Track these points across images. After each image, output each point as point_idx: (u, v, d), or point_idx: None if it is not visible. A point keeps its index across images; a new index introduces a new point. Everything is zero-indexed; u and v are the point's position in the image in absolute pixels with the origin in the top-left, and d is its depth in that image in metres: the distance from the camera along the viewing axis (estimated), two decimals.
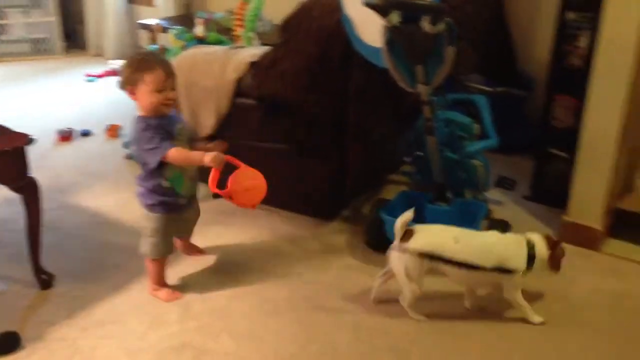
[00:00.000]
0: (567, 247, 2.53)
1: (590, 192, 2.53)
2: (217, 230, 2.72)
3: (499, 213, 2.79)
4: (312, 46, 2.38)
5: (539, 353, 1.99)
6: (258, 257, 2.53)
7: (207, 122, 2.73)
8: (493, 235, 2.14)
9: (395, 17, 1.88)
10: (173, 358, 1.96)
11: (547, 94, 2.78)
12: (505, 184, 2.89)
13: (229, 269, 2.45)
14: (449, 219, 2.39)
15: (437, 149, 2.28)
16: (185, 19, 4.28)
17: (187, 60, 2.83)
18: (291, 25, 2.49)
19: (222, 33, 3.62)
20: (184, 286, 2.32)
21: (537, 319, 2.09)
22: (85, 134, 3.77)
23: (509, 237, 2.15)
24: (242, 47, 2.94)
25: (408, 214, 2.07)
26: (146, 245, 2.20)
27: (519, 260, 2.05)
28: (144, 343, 2.02)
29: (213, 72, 2.70)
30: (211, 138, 2.51)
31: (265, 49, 2.66)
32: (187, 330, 2.09)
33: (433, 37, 1.87)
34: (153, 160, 2.03)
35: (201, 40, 3.48)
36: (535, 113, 2.98)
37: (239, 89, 2.66)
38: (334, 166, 2.56)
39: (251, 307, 2.21)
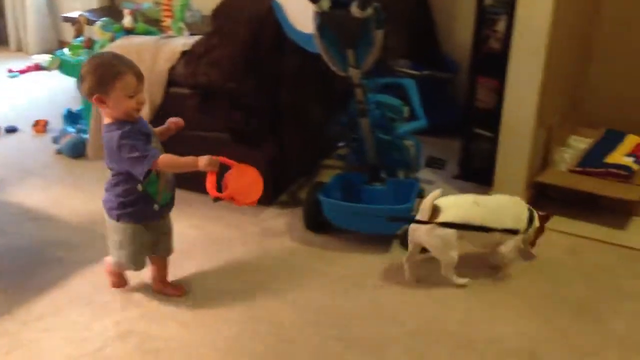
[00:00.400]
0: None
1: (512, 168, 2.69)
2: None
3: (430, 191, 2.92)
4: (245, 33, 2.42)
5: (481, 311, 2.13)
6: (199, 243, 2.56)
7: (141, 113, 2.71)
8: (503, 198, 2.33)
9: (325, 3, 1.95)
10: (118, 345, 1.98)
11: (470, 77, 2.92)
12: (435, 164, 3.02)
13: (172, 258, 2.45)
14: (384, 198, 2.50)
15: (370, 130, 2.37)
16: (111, 11, 4.20)
17: (116, 51, 2.79)
18: (222, 13, 2.52)
19: (151, 24, 3.58)
20: (127, 274, 2.33)
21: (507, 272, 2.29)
22: (11, 130, 3.66)
23: (514, 199, 2.31)
24: (172, 36, 2.93)
25: (436, 193, 2.17)
26: (114, 256, 2.10)
27: (524, 222, 2.23)
28: (88, 333, 2.02)
29: (144, 62, 2.68)
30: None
31: (197, 38, 2.68)
32: (131, 318, 2.10)
33: (362, 21, 1.95)
34: (140, 170, 1.88)
35: (129, 32, 3.43)
36: (461, 95, 3.13)
37: (172, 79, 2.66)
38: (271, 151, 2.61)
39: (194, 293, 2.24)
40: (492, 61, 2.77)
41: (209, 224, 2.70)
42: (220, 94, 2.50)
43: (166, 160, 1.92)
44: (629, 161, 2.83)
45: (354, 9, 1.92)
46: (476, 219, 2.20)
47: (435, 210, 2.17)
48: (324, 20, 2.01)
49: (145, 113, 2.71)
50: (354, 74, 2.13)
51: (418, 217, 2.19)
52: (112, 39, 3.19)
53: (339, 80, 2.35)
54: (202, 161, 1.90)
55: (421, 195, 2.63)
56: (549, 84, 2.60)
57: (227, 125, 2.56)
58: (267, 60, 2.44)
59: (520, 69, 2.51)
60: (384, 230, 2.53)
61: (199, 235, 2.63)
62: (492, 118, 2.76)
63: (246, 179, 2.01)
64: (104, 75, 1.85)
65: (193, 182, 2.88)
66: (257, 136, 2.58)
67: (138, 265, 2.12)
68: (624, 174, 2.74)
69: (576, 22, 2.89)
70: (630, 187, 2.70)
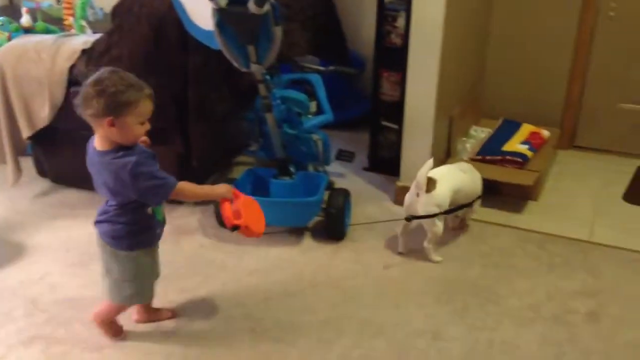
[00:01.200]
0: (400, 209, 2.80)
1: (416, 158, 2.78)
2: (64, 223, 2.68)
3: (341, 184, 3.00)
4: (146, 30, 2.40)
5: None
6: None
7: (41, 114, 2.65)
8: (466, 164, 2.62)
9: (222, 0, 1.97)
10: (22, 351, 1.93)
11: (375, 71, 3.02)
12: (344, 156, 3.09)
13: (80, 260, 2.42)
14: (293, 191, 2.55)
15: (276, 125, 2.41)
16: (8, 9, 4.02)
17: (13, 51, 2.70)
18: (122, 10, 2.48)
19: (53, 23, 3.48)
20: (31, 281, 2.26)
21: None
22: None
23: (470, 165, 2.63)
24: (73, 35, 2.86)
25: (429, 163, 2.30)
26: (124, 291, 1.90)
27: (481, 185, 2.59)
28: None
29: (43, 61, 2.61)
30: None
31: (98, 35, 2.63)
32: (36, 324, 2.05)
33: (260, 17, 1.98)
34: (157, 200, 1.78)
35: (28, 31, 3.32)
36: (368, 89, 3.22)
37: (73, 78, 2.60)
38: (179, 149, 2.60)
39: (102, 294, 2.21)
40: (394, 55, 2.88)
41: None
42: None
43: (186, 186, 1.78)
44: (523, 148, 3.01)
45: (251, 6, 1.95)
46: (466, 185, 2.47)
47: (430, 182, 2.31)
48: (222, 17, 2.03)
49: (44, 113, 2.65)
50: (256, 69, 2.16)
51: (413, 190, 2.34)
52: (10, 39, 3.07)
53: (245, 76, 2.38)
54: (221, 189, 1.85)
55: (330, 187, 2.71)
56: (447, 76, 2.73)
57: None
58: (170, 57, 2.43)
59: (419, 62, 2.62)
60: (295, 223, 2.58)
61: None
62: (397, 110, 2.87)
63: (254, 209, 1.95)
64: (122, 99, 1.66)
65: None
66: (163, 133, 2.55)
67: (149, 296, 1.98)
68: (519, 161, 2.91)
69: (471, 18, 3.04)
70: (526, 173, 2.87)
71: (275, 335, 2.02)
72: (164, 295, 2.20)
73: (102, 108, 1.65)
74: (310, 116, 2.69)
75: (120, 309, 1.97)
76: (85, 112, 1.68)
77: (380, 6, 2.86)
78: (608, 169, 3.23)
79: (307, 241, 2.57)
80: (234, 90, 2.57)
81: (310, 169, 2.76)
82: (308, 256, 2.47)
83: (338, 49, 3.06)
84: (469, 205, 2.52)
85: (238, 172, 2.99)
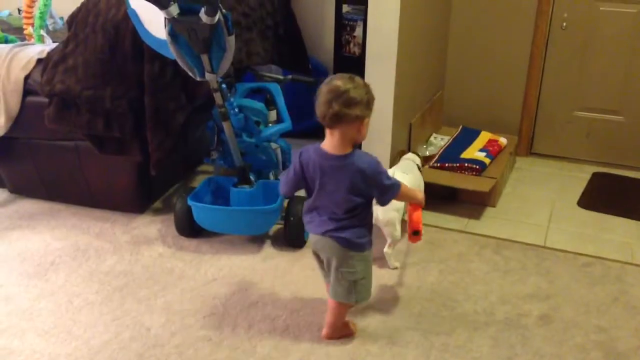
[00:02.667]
0: None
1: None
2: (21, 234, 2.65)
3: (302, 192, 3.01)
4: (101, 39, 2.40)
5: None
6: (66, 255, 2.50)
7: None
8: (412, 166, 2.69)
9: (174, 9, 1.98)
10: None
11: None
12: None
13: (36, 271, 2.39)
14: (252, 200, 2.56)
15: (234, 134, 2.42)
16: None
17: None
18: (78, 20, 2.47)
19: (13, 32, 3.44)
20: None
21: None
22: None
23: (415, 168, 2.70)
24: (29, 44, 2.84)
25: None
26: (364, 288, 1.97)
27: None
28: None
29: None
30: None
31: (55, 45, 2.62)
32: None
33: (211, 27, 2.00)
34: (392, 197, 1.87)
35: None
36: None
37: (29, 87, 2.58)
38: (137, 158, 2.60)
39: (59, 305, 2.19)
40: (353, 64, 2.93)
41: (77, 235, 2.65)
42: (79, 101, 2.45)
43: (405, 189, 1.93)
44: (481, 156, 3.07)
45: (203, 15, 1.97)
46: (420, 179, 2.60)
47: None
48: (174, 27, 2.04)
49: (0, 124, 2.62)
50: (211, 78, 2.17)
51: None
52: None
53: (204, 85, 2.39)
54: (422, 195, 2.03)
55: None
56: (405, 85, 2.78)
57: (88, 133, 2.52)
58: (126, 66, 2.43)
59: (375, 71, 2.66)
60: (255, 231, 2.59)
61: (65, 246, 2.57)
62: None
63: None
64: (373, 99, 1.82)
65: (59, 191, 2.83)
66: (121, 143, 2.56)
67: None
68: (477, 168, 2.96)
69: (428, 29, 3.10)
70: (483, 180, 2.92)
71: (233, 343, 2.03)
72: (120, 305, 2.20)
73: (360, 111, 1.76)
74: (270, 125, 2.71)
75: (348, 308, 2.04)
76: (350, 113, 1.75)
77: (338, 16, 2.90)
78: (564, 175, 3.31)
79: (267, 249, 2.58)
80: (192, 98, 2.58)
81: (271, 177, 2.77)
82: (268, 264, 2.48)
83: (299, 58, 3.09)
84: None
85: (199, 181, 3.00)
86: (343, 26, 2.89)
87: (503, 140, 3.26)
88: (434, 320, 2.15)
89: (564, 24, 3.25)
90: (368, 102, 1.78)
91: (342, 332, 2.06)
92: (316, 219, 1.93)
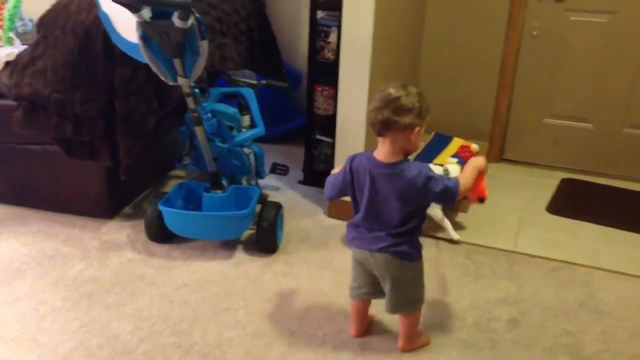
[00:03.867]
0: (334, 222, 2.85)
1: None
2: None
3: (276, 197, 3.01)
4: (71, 41, 2.37)
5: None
6: (33, 261, 2.46)
7: None
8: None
9: (146, 13, 1.96)
10: None
11: (309, 85, 3.06)
12: (279, 170, 3.11)
13: (1, 278, 2.35)
14: (225, 205, 2.54)
15: (207, 139, 2.41)
16: None
17: None
18: (48, 22, 2.44)
19: None
20: None
21: None
22: None
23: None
24: None
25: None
26: (421, 295, 1.98)
27: None
28: None
29: None
30: None
31: (24, 47, 2.57)
32: None
33: (184, 31, 1.99)
34: (452, 199, 1.81)
35: None
36: (304, 103, 3.25)
37: None
38: (108, 163, 2.56)
39: (24, 312, 2.15)
40: (327, 70, 2.92)
41: (44, 241, 2.60)
42: (47, 105, 2.42)
43: (463, 180, 1.84)
44: (453, 162, 3.08)
45: (176, 20, 1.96)
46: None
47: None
48: (147, 30, 2.02)
49: None
50: (184, 83, 2.16)
51: None
52: None
53: (176, 89, 2.37)
54: (480, 161, 1.91)
55: (263, 200, 2.72)
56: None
57: (57, 137, 2.49)
58: (96, 69, 2.40)
59: (350, 77, 2.67)
60: (227, 237, 2.58)
61: (31, 252, 2.52)
62: (331, 124, 2.90)
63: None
64: (427, 109, 1.77)
65: (27, 196, 2.79)
66: (91, 147, 2.52)
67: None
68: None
69: (401, 36, 3.13)
70: None
71: (203, 350, 2.01)
72: (88, 311, 2.16)
73: (411, 119, 1.73)
74: (243, 130, 2.70)
75: (418, 315, 2.01)
76: (399, 121, 1.73)
77: (313, 21, 2.90)
78: (534, 181, 3.36)
79: (239, 254, 2.57)
80: (165, 103, 2.56)
81: (244, 182, 2.76)
82: (240, 269, 2.47)
83: (273, 63, 3.09)
84: None
85: (171, 186, 2.97)
86: (318, 32, 2.88)
87: (475, 147, 3.29)
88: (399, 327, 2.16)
89: (535, 32, 3.30)
90: (420, 111, 1.75)
91: (418, 341, 2.05)
92: (366, 235, 1.89)
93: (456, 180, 1.81)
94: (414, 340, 2.04)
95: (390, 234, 1.85)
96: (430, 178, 1.77)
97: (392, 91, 1.76)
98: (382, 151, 1.81)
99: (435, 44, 3.48)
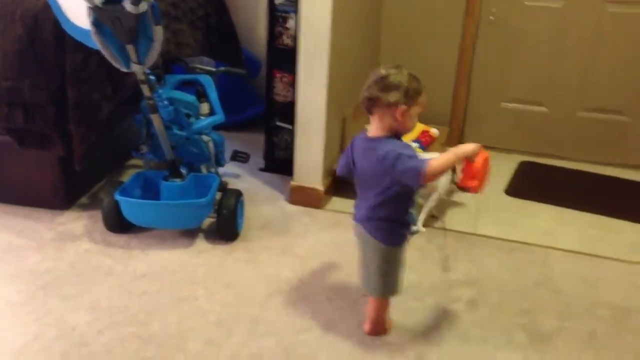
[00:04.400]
0: (296, 208, 2.85)
1: (309, 157, 2.84)
2: None
3: (237, 185, 2.99)
4: (20, 29, 2.30)
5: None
6: None
7: None
8: None
9: None
10: None
11: (268, 71, 3.04)
12: (239, 157, 3.09)
13: None
14: (184, 193, 2.51)
15: (164, 127, 2.37)
16: None
17: None
18: None
19: None
20: None
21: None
22: None
23: None
24: None
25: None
26: (386, 284, 1.95)
27: None
28: None
29: None
30: None
31: None
32: None
33: (137, 16, 1.94)
34: (416, 180, 1.74)
35: None
36: (264, 90, 3.23)
37: None
38: (61, 152, 2.51)
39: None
40: (286, 56, 2.91)
41: None
42: None
43: (434, 162, 1.74)
44: (414, 146, 3.11)
45: (127, 4, 1.91)
46: None
47: None
48: (98, 16, 1.97)
49: None
50: (138, 69, 2.12)
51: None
52: None
53: (131, 76, 2.32)
54: (468, 147, 1.80)
55: (223, 188, 2.69)
56: (338, 77, 2.79)
57: (8, 127, 2.42)
58: (46, 56, 2.33)
59: (308, 64, 2.66)
60: (186, 225, 2.55)
61: None
62: (291, 111, 2.89)
63: (486, 166, 1.91)
64: (418, 87, 1.79)
65: None
66: (43, 137, 2.46)
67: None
68: None
69: (360, 23, 3.12)
70: None
71: (162, 340, 1.98)
72: (44, 304, 2.12)
73: (399, 97, 1.74)
74: (202, 117, 2.67)
75: (386, 303, 2.02)
76: (383, 98, 1.76)
77: (271, 7, 2.88)
78: (493, 164, 3.37)
79: (200, 243, 2.54)
80: (119, 90, 2.51)
81: (203, 170, 2.73)
82: (200, 258, 2.44)
83: (231, 49, 3.05)
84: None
85: (128, 176, 2.92)
86: (276, 18, 2.86)
87: (435, 131, 3.32)
88: (366, 309, 2.17)
89: (492, 18, 3.34)
90: (407, 91, 1.76)
91: (382, 329, 2.05)
92: (357, 205, 1.95)
93: (425, 163, 1.75)
94: (379, 327, 2.04)
95: (368, 208, 1.88)
96: (400, 155, 1.74)
97: (383, 70, 1.81)
98: (372, 127, 1.85)
99: (394, 30, 3.49)
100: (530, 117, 3.48)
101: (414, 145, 3.12)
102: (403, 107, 1.76)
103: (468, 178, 1.86)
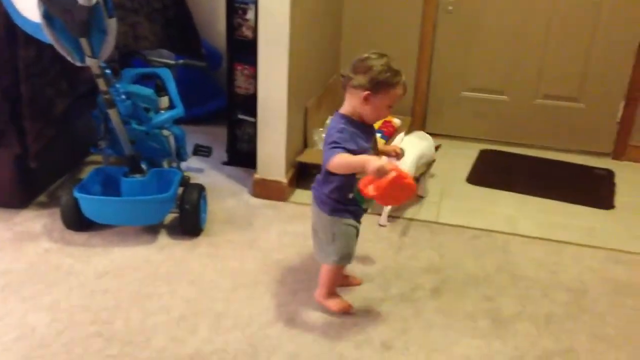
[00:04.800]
0: (259, 202, 2.84)
1: (272, 150, 2.83)
2: None
3: (200, 179, 2.96)
4: None
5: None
6: None
7: None
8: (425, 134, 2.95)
9: None
10: None
11: (228, 64, 3.01)
12: (201, 151, 3.05)
13: None
14: (145, 189, 2.48)
15: (121, 121, 2.33)
16: None
17: None
18: None
19: None
20: None
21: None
22: None
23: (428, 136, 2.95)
24: None
25: (401, 135, 2.68)
26: (329, 252, 2.00)
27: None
28: None
29: None
30: None
31: None
32: None
33: (89, 9, 1.90)
34: (326, 165, 1.82)
35: None
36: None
37: None
38: (16, 149, 2.44)
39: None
40: (246, 48, 2.88)
41: None
42: None
43: (338, 159, 1.78)
44: (376, 137, 3.12)
45: None
46: (426, 151, 2.79)
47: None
48: (49, 9, 1.92)
49: None
50: (92, 63, 2.07)
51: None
52: None
53: (87, 71, 2.27)
54: (374, 165, 1.71)
55: (185, 183, 2.66)
56: (299, 69, 2.78)
57: None
58: None
59: (269, 55, 2.64)
60: (148, 221, 2.52)
61: None
62: (253, 103, 2.86)
63: (404, 192, 1.81)
64: (389, 77, 1.80)
65: None
66: None
67: (353, 255, 2.07)
68: None
69: (321, 14, 3.11)
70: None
71: (125, 338, 1.96)
72: (2, 305, 2.07)
73: (366, 81, 1.79)
74: (162, 111, 2.63)
75: (334, 272, 2.07)
76: (350, 77, 1.82)
77: None
78: (454, 153, 3.45)
79: (163, 238, 2.51)
80: (75, 85, 2.45)
81: (165, 165, 2.69)
82: (163, 254, 2.42)
83: (191, 42, 3.01)
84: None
85: (88, 172, 2.87)
86: (235, 9, 2.83)
87: (397, 121, 3.35)
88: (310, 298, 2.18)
89: (450, 7, 3.37)
90: (375, 78, 1.79)
91: (331, 301, 2.10)
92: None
93: (333, 155, 1.79)
94: (325, 295, 2.10)
95: (318, 181, 1.97)
96: (327, 139, 1.84)
97: (367, 53, 1.85)
98: (345, 105, 1.90)
99: (355, 20, 3.49)
100: (491, 105, 3.53)
101: (377, 135, 3.13)
102: (366, 92, 1.80)
103: (365, 183, 1.85)
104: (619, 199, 3.01)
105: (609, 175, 3.25)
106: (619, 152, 3.43)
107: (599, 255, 2.52)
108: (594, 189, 3.11)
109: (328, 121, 3.34)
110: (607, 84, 3.34)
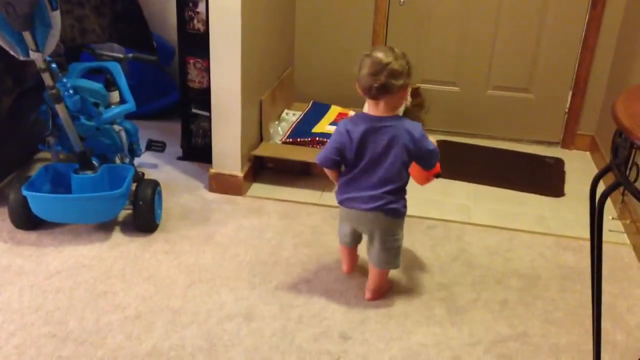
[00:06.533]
0: (216, 196, 2.81)
1: (227, 144, 2.80)
2: None
3: (154, 175, 2.92)
4: None
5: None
6: None
7: None
8: None
9: None
10: None
11: (181, 57, 2.96)
12: (155, 146, 3.00)
13: None
14: (96, 186, 2.42)
15: (70, 117, 2.27)
16: None
17: None
18: None
19: None
20: None
21: None
22: None
23: None
24: None
25: None
26: (399, 255, 2.14)
27: None
28: None
29: None
30: None
31: None
32: None
33: (32, 2, 1.84)
34: (434, 163, 2.05)
35: None
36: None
37: None
38: None
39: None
40: (198, 41, 2.84)
41: None
42: None
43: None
44: (332, 129, 3.10)
45: None
46: None
47: None
48: None
49: None
50: (37, 57, 2.01)
51: None
52: None
53: (33, 66, 2.20)
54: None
55: (139, 179, 2.62)
56: (252, 62, 2.76)
57: None
58: None
59: (221, 48, 2.61)
60: (100, 219, 2.46)
61: None
62: (206, 97, 2.83)
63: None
64: (410, 65, 1.92)
65: None
66: None
67: None
68: (327, 142, 3.02)
69: (274, 7, 3.09)
70: None
71: (80, 338, 1.92)
72: None
73: (407, 77, 1.91)
74: (113, 106, 2.57)
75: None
76: (395, 84, 1.88)
77: None
78: None
79: (117, 236, 2.47)
80: (20, 80, 2.37)
81: (117, 161, 2.64)
82: (117, 251, 2.37)
83: (140, 35, 2.94)
84: None
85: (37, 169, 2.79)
86: (185, 2, 2.78)
87: (352, 113, 3.35)
88: (290, 294, 2.18)
89: (402, 0, 3.39)
90: (409, 71, 1.92)
91: (385, 290, 2.20)
92: (357, 194, 2.01)
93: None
94: (383, 291, 2.20)
95: (386, 192, 1.98)
96: (425, 135, 1.97)
97: (382, 56, 1.89)
98: (376, 112, 1.95)
99: (309, 12, 3.48)
100: (444, 97, 3.58)
101: (332, 128, 3.14)
102: (404, 85, 1.93)
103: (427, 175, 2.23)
104: (568, 186, 3.09)
105: (558, 163, 3.34)
106: (568, 141, 3.53)
107: (550, 242, 2.59)
108: (544, 178, 3.19)
109: (284, 114, 3.35)
110: (555, 74, 3.42)
